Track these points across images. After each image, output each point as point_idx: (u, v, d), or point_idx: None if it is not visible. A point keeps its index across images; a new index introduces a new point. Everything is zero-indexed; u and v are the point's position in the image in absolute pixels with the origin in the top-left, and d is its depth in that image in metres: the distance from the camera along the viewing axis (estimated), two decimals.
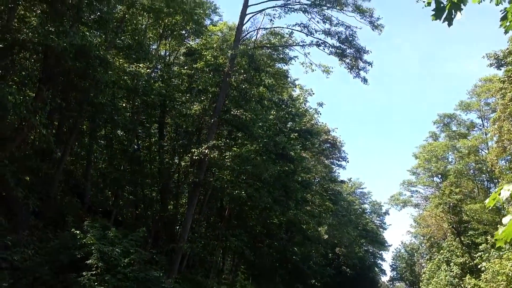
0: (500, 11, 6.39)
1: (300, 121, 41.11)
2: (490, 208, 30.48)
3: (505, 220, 5.09)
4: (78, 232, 18.23)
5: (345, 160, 59.97)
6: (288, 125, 40.30)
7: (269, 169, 31.94)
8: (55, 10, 20.36)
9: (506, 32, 6.70)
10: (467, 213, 51.82)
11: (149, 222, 31.13)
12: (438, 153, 62.21)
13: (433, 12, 5.81)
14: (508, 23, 6.38)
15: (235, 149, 30.72)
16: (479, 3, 6.43)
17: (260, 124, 32.65)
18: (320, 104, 46.76)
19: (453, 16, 5.79)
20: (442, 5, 5.78)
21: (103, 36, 25.74)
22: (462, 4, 5.88)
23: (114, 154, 30.66)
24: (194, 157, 28.03)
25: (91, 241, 18.05)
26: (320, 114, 46.41)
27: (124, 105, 29.18)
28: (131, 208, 34.53)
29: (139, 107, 29.70)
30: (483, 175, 58.88)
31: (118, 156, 30.36)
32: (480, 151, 57.63)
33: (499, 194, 5.14)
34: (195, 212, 31.08)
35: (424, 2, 5.72)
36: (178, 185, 33.79)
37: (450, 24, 5.87)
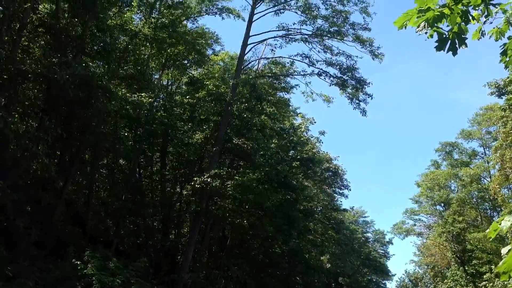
0: (500, 46, 6.44)
1: (302, 149, 41.09)
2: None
3: (503, 250, 5.04)
4: (79, 262, 18.11)
5: (347, 189, 59.58)
6: (290, 154, 40.26)
7: (271, 198, 31.80)
8: (58, 41, 20.60)
9: (506, 67, 6.75)
10: (471, 242, 51.38)
11: (150, 252, 30.86)
12: (441, 181, 62.01)
13: (436, 44, 5.84)
14: (508, 59, 6.42)
15: (237, 177, 30.63)
16: (478, 40, 6.49)
17: (262, 152, 32.66)
18: (322, 133, 46.82)
19: (457, 46, 5.82)
20: (444, 36, 5.81)
21: (106, 66, 25.94)
22: (462, 35, 5.92)
23: (116, 184, 30.56)
24: (196, 186, 27.98)
25: (92, 272, 17.91)
26: (322, 142, 46.37)
27: (126, 134, 29.24)
28: (132, 238, 34.24)
29: (141, 136, 29.75)
30: (486, 204, 58.68)
31: (119, 186, 30.26)
32: (483, 179, 57.55)
33: (500, 224, 5.11)
34: (197, 241, 30.87)
35: (426, 34, 5.75)
36: (179, 214, 33.61)
37: (454, 54, 5.90)
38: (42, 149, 18.43)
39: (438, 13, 5.59)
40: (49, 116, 20.72)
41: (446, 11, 5.68)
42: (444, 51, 5.85)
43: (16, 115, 19.43)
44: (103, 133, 23.71)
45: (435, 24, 5.71)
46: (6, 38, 19.25)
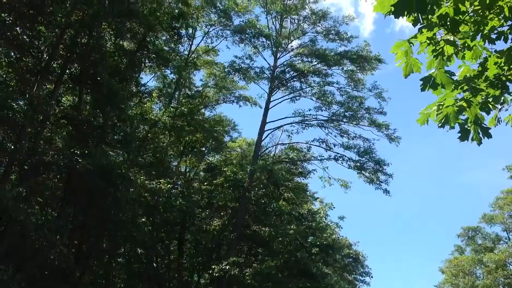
0: None
1: (321, 235, 40.42)
2: None
3: None
4: None
5: (369, 276, 57.93)
6: (309, 240, 39.57)
7: (291, 286, 30.94)
8: (80, 131, 21.09)
9: None
10: None
11: None
12: (465, 267, 60.17)
13: (459, 135, 5.87)
14: None
15: (255, 265, 30.02)
16: (495, 126, 6.52)
17: (280, 239, 32.17)
18: (341, 218, 46.17)
19: (481, 136, 5.84)
20: (467, 127, 5.85)
21: (125, 155, 26.34)
22: (480, 122, 5.95)
23: (133, 273, 30.07)
24: (214, 274, 27.40)
25: None
26: (341, 228, 45.63)
27: (144, 220, 29.17)
28: None
29: (159, 224, 29.61)
30: None
31: (136, 275, 29.76)
32: (508, 265, 55.75)
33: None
34: None
35: (447, 127, 5.80)
36: None
37: (479, 144, 5.91)
38: (61, 239, 18.36)
39: (458, 108, 5.66)
40: (69, 205, 20.82)
41: (464, 104, 5.76)
42: (468, 141, 5.87)
43: (37, 206, 19.56)
44: (121, 221, 23.65)
45: (456, 117, 5.77)
46: (29, 130, 19.77)
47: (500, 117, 6.52)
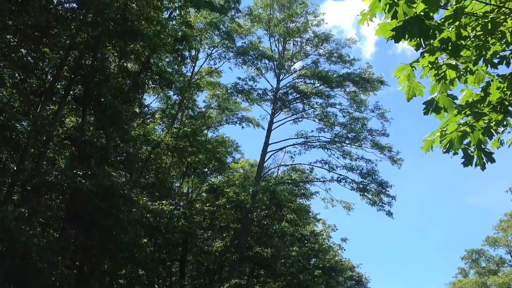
0: None
1: (323, 257, 40.18)
2: None
3: None
4: None
5: None
6: (312, 262, 39.34)
7: None
8: (83, 152, 21.11)
9: None
10: None
11: None
12: None
13: (463, 160, 5.87)
14: None
15: (257, 287, 29.81)
16: (497, 148, 6.53)
17: (282, 260, 32.00)
18: (344, 240, 45.95)
19: (484, 161, 5.84)
20: (470, 152, 5.85)
21: (128, 176, 26.32)
22: (483, 145, 5.95)
23: None
24: None
25: None
26: (344, 250, 45.38)
27: (145, 241, 29.04)
28: None
29: (161, 245, 29.47)
30: None
31: None
32: None
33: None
34: None
35: (450, 152, 5.80)
36: None
37: (483, 169, 5.90)
38: (62, 261, 18.27)
39: (461, 133, 5.67)
40: (71, 226, 20.76)
41: (468, 129, 5.77)
42: (471, 166, 5.87)
43: (39, 227, 19.51)
44: (123, 242, 23.54)
45: (460, 142, 5.78)
46: (32, 151, 19.81)
47: (502, 139, 6.52)
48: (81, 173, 18.52)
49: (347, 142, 34.16)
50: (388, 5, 5.17)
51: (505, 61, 6.12)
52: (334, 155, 34.32)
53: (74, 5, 20.48)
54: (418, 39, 5.52)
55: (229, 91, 35.08)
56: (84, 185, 18.08)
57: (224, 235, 32.66)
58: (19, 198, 19.93)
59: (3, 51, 18.60)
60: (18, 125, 19.28)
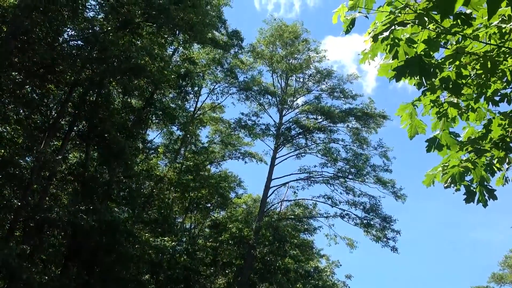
0: None
1: None
2: None
3: None
4: None
5: None
6: None
7: None
8: (86, 188, 21.10)
9: None
10: None
11: None
12: None
13: (465, 196, 5.87)
14: None
15: None
16: (503, 186, 6.53)
17: None
18: (348, 277, 45.33)
19: (486, 198, 5.83)
20: (472, 189, 5.86)
21: (130, 211, 26.24)
22: (486, 183, 5.95)
23: None
24: None
25: None
26: (349, 287, 44.66)
27: (147, 277, 28.73)
28: None
29: (163, 281, 29.13)
30: None
31: None
32: None
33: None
34: None
35: (453, 188, 5.81)
36: None
37: (485, 206, 5.90)
38: None
39: (463, 169, 5.69)
40: (72, 262, 20.60)
41: (470, 165, 5.78)
42: (474, 203, 5.86)
43: (41, 265, 19.35)
44: (125, 279, 23.31)
45: (462, 178, 5.79)
46: (35, 187, 19.79)
47: (507, 177, 6.54)
48: (83, 208, 18.48)
49: (350, 177, 34.09)
50: (389, 46, 5.25)
51: (506, 98, 6.17)
52: (337, 190, 34.24)
53: (80, 42, 20.77)
54: (419, 79, 5.58)
55: (232, 126, 35.29)
56: (86, 221, 18.01)
57: (227, 271, 32.35)
58: (21, 234, 19.84)
59: (9, 88, 18.81)
60: (21, 161, 19.34)
